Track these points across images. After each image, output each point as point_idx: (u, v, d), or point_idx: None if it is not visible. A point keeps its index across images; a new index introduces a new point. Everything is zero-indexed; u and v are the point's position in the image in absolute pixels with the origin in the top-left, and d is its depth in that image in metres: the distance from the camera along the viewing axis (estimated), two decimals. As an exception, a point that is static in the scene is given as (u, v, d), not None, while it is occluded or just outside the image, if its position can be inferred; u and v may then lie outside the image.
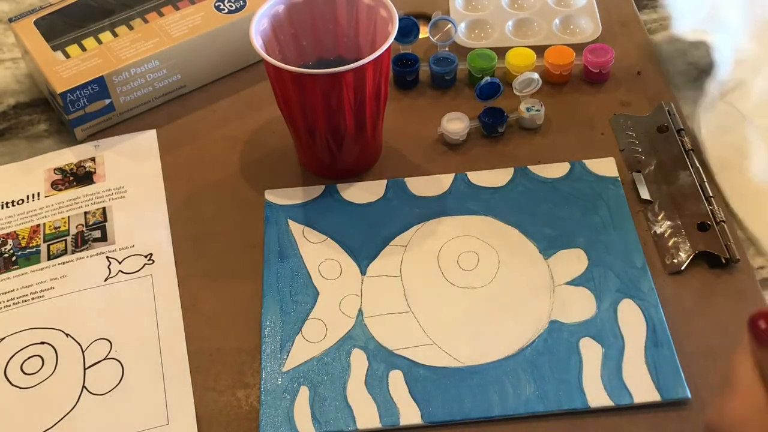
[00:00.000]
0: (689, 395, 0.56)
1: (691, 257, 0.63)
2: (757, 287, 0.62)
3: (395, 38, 0.65)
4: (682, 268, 0.63)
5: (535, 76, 0.73)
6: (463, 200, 0.68)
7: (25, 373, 0.60)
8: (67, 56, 0.75)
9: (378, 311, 0.62)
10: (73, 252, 0.67)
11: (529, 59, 0.76)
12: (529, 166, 0.70)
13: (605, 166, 0.70)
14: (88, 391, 0.59)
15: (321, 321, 0.62)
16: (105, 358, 0.61)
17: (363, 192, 0.70)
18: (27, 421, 0.58)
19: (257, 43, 0.65)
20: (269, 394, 0.58)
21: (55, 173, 0.73)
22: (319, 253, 0.66)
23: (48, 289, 0.65)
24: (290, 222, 0.68)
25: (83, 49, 0.76)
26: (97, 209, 0.70)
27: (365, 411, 0.57)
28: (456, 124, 0.73)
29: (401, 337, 0.60)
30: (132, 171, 0.73)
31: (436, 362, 0.59)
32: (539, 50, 0.77)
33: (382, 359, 0.59)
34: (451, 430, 0.56)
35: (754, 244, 0.65)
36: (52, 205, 0.71)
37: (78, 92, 0.73)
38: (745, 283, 0.62)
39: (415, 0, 0.84)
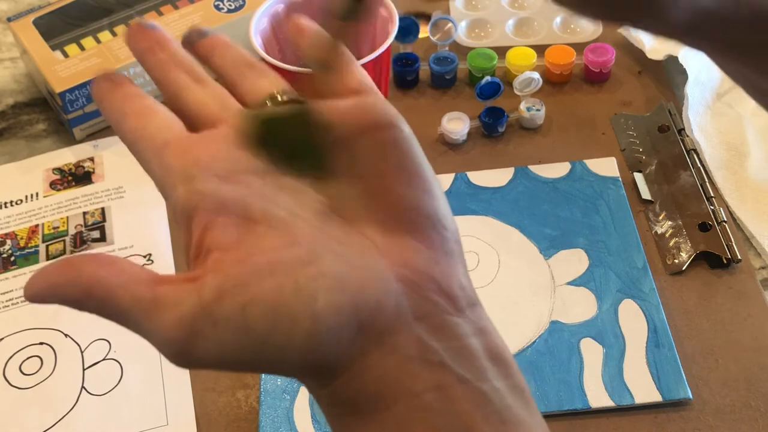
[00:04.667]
0: (690, 395, 0.56)
1: (692, 257, 0.63)
2: (758, 287, 0.62)
3: (395, 38, 0.65)
4: (683, 268, 0.63)
5: (536, 75, 0.72)
6: (463, 200, 0.68)
7: (24, 374, 0.60)
8: (66, 56, 0.75)
9: (378, 311, 0.62)
10: (72, 252, 0.67)
11: (529, 59, 0.75)
12: (529, 166, 0.70)
13: (606, 166, 0.70)
14: (87, 391, 0.59)
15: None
16: (104, 359, 0.61)
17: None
18: (26, 421, 0.58)
19: (257, 43, 0.65)
20: (269, 395, 0.58)
21: (53, 173, 0.73)
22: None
23: (47, 290, 0.64)
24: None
25: (82, 48, 0.76)
26: (96, 209, 0.70)
27: (365, 412, 0.57)
28: (456, 124, 0.72)
29: (401, 338, 0.60)
30: (131, 171, 0.72)
31: (436, 363, 0.59)
32: (540, 50, 0.77)
33: (382, 360, 0.59)
34: (451, 431, 0.56)
35: (750, 243, 0.65)
36: (51, 205, 0.71)
37: (77, 92, 0.72)
38: (747, 283, 0.62)
39: (415, -1, 0.84)
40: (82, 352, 0.61)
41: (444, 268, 0.31)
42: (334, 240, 0.31)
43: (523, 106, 0.73)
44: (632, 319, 0.60)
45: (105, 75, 0.37)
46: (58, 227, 0.69)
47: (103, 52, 0.75)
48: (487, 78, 0.72)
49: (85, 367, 0.60)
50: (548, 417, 0.56)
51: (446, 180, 0.70)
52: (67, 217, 0.70)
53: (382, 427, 0.29)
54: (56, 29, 0.77)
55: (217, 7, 0.78)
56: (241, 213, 0.31)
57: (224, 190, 0.31)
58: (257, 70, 0.37)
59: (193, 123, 0.34)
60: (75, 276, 0.30)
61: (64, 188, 0.72)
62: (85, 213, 0.70)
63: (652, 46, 0.76)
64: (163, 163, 0.32)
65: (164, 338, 0.29)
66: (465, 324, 0.31)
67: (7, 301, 0.64)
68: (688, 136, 0.71)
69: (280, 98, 0.35)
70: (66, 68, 0.74)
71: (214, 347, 0.29)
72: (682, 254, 0.64)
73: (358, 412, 0.30)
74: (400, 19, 0.67)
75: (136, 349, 0.61)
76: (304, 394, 0.58)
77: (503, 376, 0.30)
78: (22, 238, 0.68)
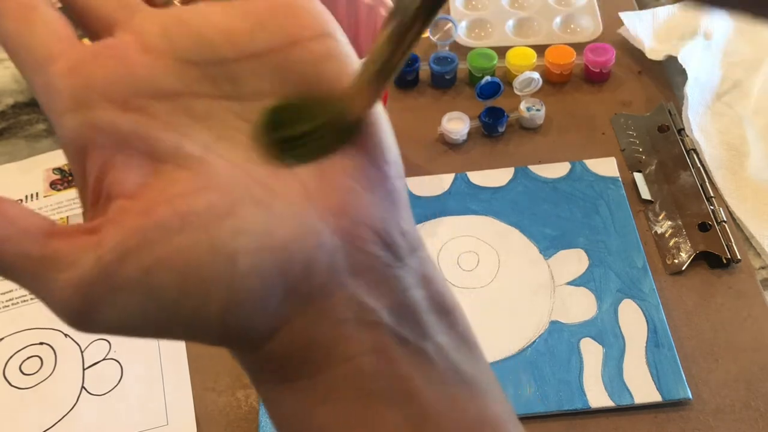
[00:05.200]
0: (690, 395, 0.56)
1: (691, 257, 0.63)
2: (758, 287, 0.62)
3: (395, 38, 0.65)
4: (683, 268, 0.63)
5: (536, 75, 0.72)
6: (463, 200, 0.68)
7: (24, 374, 0.60)
8: (66, 56, 0.75)
9: (378, 311, 0.62)
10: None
11: (529, 59, 0.75)
12: (529, 166, 0.70)
13: (606, 166, 0.70)
14: (87, 391, 0.59)
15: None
16: (104, 359, 0.61)
17: (363, 192, 0.69)
18: (26, 421, 0.58)
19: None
20: (269, 395, 0.58)
21: (53, 173, 0.73)
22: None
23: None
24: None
25: (82, 48, 0.76)
26: (97, 209, 0.70)
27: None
28: (456, 124, 0.72)
29: (401, 338, 0.60)
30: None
31: (436, 363, 0.59)
32: (540, 50, 0.77)
33: (382, 360, 0.59)
34: (451, 431, 0.56)
35: (750, 243, 0.65)
36: (51, 205, 0.71)
37: (77, 92, 0.72)
38: (746, 283, 0.62)
39: (415, -1, 0.84)
40: (82, 352, 0.61)
41: (384, 213, 0.27)
42: (257, 183, 0.26)
43: (523, 106, 0.73)
44: (632, 319, 0.60)
45: None
46: (58, 227, 0.69)
47: (103, 52, 0.75)
48: (487, 78, 0.72)
49: (85, 367, 0.60)
50: (548, 417, 0.56)
51: (446, 180, 0.70)
52: (68, 217, 0.70)
53: (314, 393, 0.27)
54: (56, 29, 0.77)
55: (217, 7, 0.78)
56: (146, 149, 0.26)
57: (124, 120, 0.26)
58: None
59: (85, 24, 0.29)
60: None
61: (65, 188, 0.72)
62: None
63: (652, 46, 0.77)
64: (49, 83, 0.26)
65: (58, 303, 0.25)
66: (406, 275, 0.27)
67: (7, 301, 0.64)
68: (687, 136, 0.71)
69: None
70: (66, 68, 0.74)
71: (115, 314, 0.25)
72: (681, 254, 0.64)
73: (287, 378, 0.27)
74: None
75: (136, 349, 0.61)
76: (304, 394, 0.58)
77: (447, 328, 0.28)
78: (22, 238, 0.68)
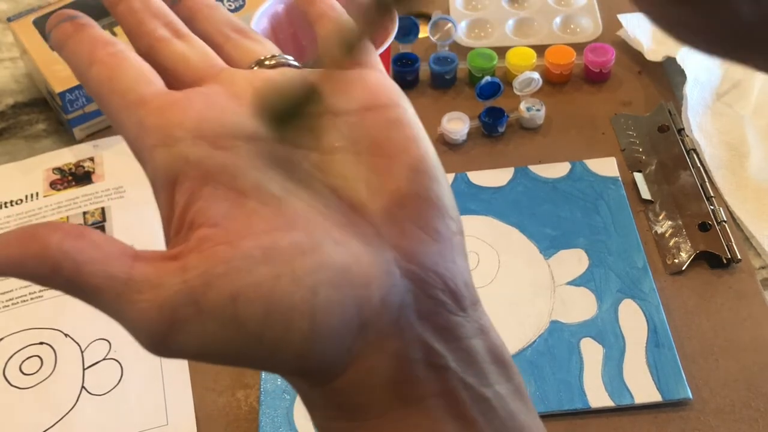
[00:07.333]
0: (690, 395, 0.56)
1: (692, 257, 0.63)
2: (758, 287, 0.62)
3: (395, 37, 0.65)
4: (683, 268, 0.63)
5: (536, 75, 0.72)
6: (463, 200, 0.68)
7: (24, 374, 0.60)
8: (66, 56, 0.75)
9: (378, 311, 0.62)
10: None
11: (529, 59, 0.75)
12: (529, 166, 0.70)
13: (606, 166, 0.70)
14: (87, 391, 0.59)
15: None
16: (104, 359, 0.61)
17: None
18: (26, 421, 0.58)
19: (257, 43, 0.65)
20: (269, 395, 0.58)
21: (53, 173, 0.73)
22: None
23: (47, 289, 0.65)
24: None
25: (82, 48, 0.76)
26: (96, 209, 0.70)
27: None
28: (456, 124, 0.72)
29: (401, 338, 0.60)
30: (131, 171, 0.72)
31: (436, 362, 0.59)
32: (539, 50, 0.77)
33: (382, 359, 0.59)
34: (451, 431, 0.56)
35: (750, 243, 0.65)
36: (51, 205, 0.71)
37: (77, 92, 0.72)
38: (746, 283, 0.62)
39: (415, -1, 0.84)
40: (82, 352, 0.61)
41: (450, 264, 0.29)
42: (335, 225, 0.27)
43: (523, 106, 0.73)
44: (632, 319, 0.60)
45: (66, 14, 0.33)
46: (58, 227, 0.69)
47: (103, 52, 0.75)
48: (487, 78, 0.72)
49: (85, 367, 0.60)
50: (548, 417, 0.56)
51: (446, 180, 0.70)
52: (68, 217, 0.70)
53: None
54: (56, 29, 0.77)
55: (217, 7, 0.78)
56: (231, 184, 0.27)
57: (213, 155, 0.27)
58: (244, 33, 0.34)
59: (171, 81, 0.30)
60: (39, 249, 0.26)
61: (64, 188, 0.72)
62: (85, 213, 0.70)
63: (651, 47, 0.77)
64: (141, 122, 0.28)
65: (140, 324, 0.26)
66: (468, 324, 0.29)
67: (7, 300, 0.64)
68: (687, 136, 0.71)
69: (268, 62, 0.32)
70: (66, 68, 0.73)
71: (195, 339, 0.26)
72: (682, 254, 0.64)
73: (354, 417, 0.28)
74: (400, 19, 0.67)
75: (136, 349, 0.60)
76: (304, 394, 0.58)
77: (505, 379, 0.29)
78: (22, 238, 0.68)
